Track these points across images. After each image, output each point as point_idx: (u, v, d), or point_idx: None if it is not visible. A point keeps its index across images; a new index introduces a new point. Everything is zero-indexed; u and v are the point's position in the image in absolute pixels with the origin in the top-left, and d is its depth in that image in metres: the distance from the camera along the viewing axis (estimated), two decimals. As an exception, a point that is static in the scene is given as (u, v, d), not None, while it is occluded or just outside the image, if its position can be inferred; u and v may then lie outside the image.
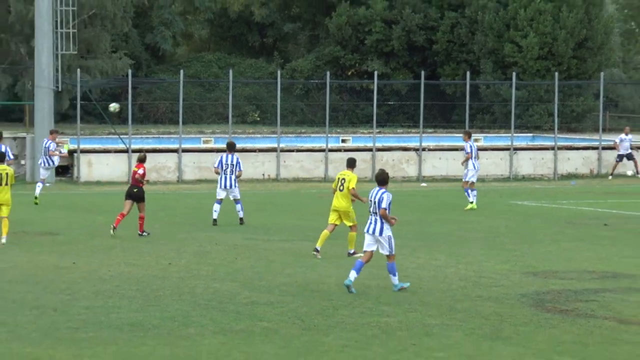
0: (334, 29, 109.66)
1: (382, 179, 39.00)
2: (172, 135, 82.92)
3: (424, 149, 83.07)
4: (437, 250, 44.58)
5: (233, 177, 58.42)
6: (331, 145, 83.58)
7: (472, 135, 73.08)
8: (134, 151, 77.87)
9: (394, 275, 38.53)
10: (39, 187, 64.58)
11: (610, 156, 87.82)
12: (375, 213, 38.28)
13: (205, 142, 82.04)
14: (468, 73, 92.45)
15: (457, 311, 34.52)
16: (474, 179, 66.46)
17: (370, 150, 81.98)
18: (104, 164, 77.27)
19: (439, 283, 39.23)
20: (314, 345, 29.39)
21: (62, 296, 36.16)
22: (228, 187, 57.91)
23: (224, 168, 57.63)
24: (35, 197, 63.40)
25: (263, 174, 74.50)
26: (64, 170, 75.41)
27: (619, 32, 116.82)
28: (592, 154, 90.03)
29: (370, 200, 38.55)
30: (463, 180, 67.05)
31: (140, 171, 53.19)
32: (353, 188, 44.42)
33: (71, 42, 79.28)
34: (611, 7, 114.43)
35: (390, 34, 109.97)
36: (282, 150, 78.83)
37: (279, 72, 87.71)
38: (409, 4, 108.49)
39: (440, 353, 28.87)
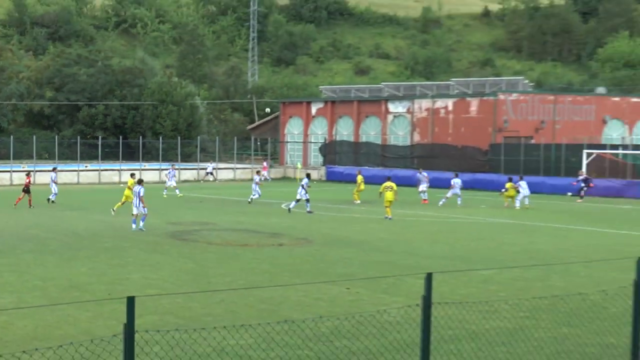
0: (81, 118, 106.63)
1: (139, 181, 40.27)
2: None
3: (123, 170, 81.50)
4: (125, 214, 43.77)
5: (54, 186, 55.03)
6: (81, 168, 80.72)
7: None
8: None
9: (143, 221, 38.36)
10: None
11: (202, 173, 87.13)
12: (136, 197, 38.37)
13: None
14: (141, 137, 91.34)
15: (136, 241, 34.13)
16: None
17: (97, 170, 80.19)
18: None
19: (127, 229, 38.55)
20: (64, 256, 28.87)
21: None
22: (53, 193, 54.47)
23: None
24: None
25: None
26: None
27: (206, 118, 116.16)
28: (201, 172, 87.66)
29: (136, 192, 38.77)
30: (172, 185, 63.78)
31: (27, 180, 52.69)
32: (130, 188, 43.94)
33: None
34: (201, 105, 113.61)
35: (106, 121, 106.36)
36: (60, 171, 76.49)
37: (56, 137, 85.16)
38: (113, 106, 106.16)
39: (129, 258, 28.70)
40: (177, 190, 63.42)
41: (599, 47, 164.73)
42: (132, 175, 49.21)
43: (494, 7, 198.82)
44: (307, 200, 48.98)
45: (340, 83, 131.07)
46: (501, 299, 20.88)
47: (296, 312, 20.02)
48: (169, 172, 65.77)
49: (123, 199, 46.32)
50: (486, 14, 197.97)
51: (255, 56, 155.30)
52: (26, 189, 51.92)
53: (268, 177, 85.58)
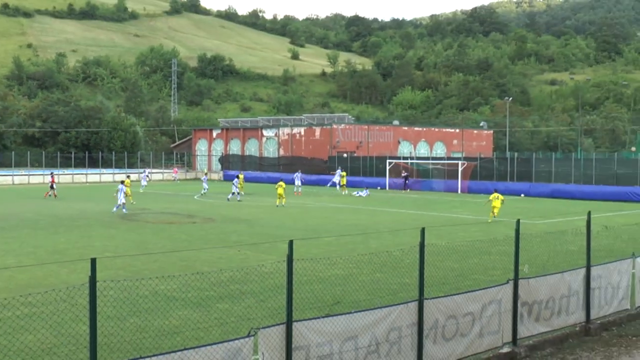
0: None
1: (121, 181, 37.61)
2: None
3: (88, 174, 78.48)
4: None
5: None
6: (60, 173, 76.91)
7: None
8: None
9: (119, 208, 36.31)
10: None
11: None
12: (120, 192, 36.58)
13: None
14: (100, 152, 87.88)
15: (98, 220, 32.52)
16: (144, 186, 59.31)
17: (71, 174, 76.99)
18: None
19: (92, 213, 36.79)
20: (49, 231, 27.45)
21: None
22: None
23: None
24: None
25: None
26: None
27: (143, 140, 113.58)
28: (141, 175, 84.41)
29: (119, 188, 36.65)
30: (144, 184, 59.74)
31: (52, 180, 50.55)
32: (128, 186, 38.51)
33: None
34: (140, 131, 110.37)
35: (77, 142, 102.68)
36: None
37: (43, 152, 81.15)
38: (82, 131, 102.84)
39: (93, 232, 27.37)
40: (141, 188, 59.82)
41: (394, 95, 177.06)
42: (128, 177, 46.60)
43: (328, 69, 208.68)
44: (233, 194, 48.61)
45: (231, 117, 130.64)
46: (338, 256, 20.84)
47: (205, 266, 19.55)
48: (143, 175, 63.40)
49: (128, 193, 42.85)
50: (323, 74, 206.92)
51: (176, 99, 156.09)
52: (52, 186, 50.12)
53: (177, 178, 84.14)
